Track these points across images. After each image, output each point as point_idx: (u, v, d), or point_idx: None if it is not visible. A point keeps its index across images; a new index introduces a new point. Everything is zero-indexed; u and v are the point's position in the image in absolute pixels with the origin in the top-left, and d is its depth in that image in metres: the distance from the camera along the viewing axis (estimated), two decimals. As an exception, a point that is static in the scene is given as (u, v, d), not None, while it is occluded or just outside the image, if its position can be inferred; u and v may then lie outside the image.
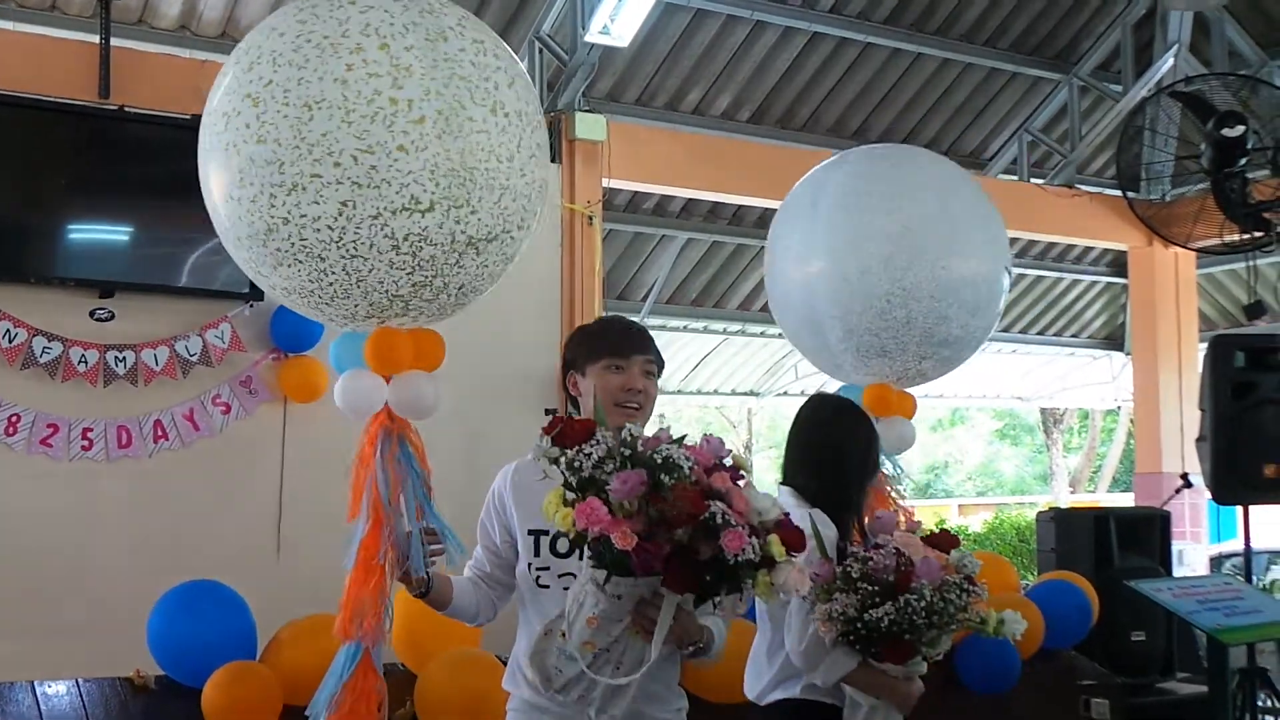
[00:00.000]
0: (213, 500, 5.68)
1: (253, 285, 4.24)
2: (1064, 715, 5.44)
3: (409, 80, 2.75)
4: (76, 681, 4.07)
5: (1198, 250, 9.64)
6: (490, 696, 2.89)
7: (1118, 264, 11.56)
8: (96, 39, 5.95)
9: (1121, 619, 5.95)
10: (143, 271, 5.71)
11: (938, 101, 9.54)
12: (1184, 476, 7.22)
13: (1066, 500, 20.90)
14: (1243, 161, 7.89)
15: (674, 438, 2.44)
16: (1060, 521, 6.52)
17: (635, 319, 9.79)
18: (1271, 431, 5.70)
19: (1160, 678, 6.23)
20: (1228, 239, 8.48)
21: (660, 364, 2.85)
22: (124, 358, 5.53)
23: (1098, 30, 9.61)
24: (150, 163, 5.62)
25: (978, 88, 9.62)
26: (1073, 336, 12.80)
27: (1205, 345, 5.99)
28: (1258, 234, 8.11)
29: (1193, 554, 9.75)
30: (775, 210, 4.74)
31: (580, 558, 2.46)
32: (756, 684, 3.26)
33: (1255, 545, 6.04)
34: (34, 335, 5.37)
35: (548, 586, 2.71)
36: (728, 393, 13.37)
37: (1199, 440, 5.89)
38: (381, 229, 2.78)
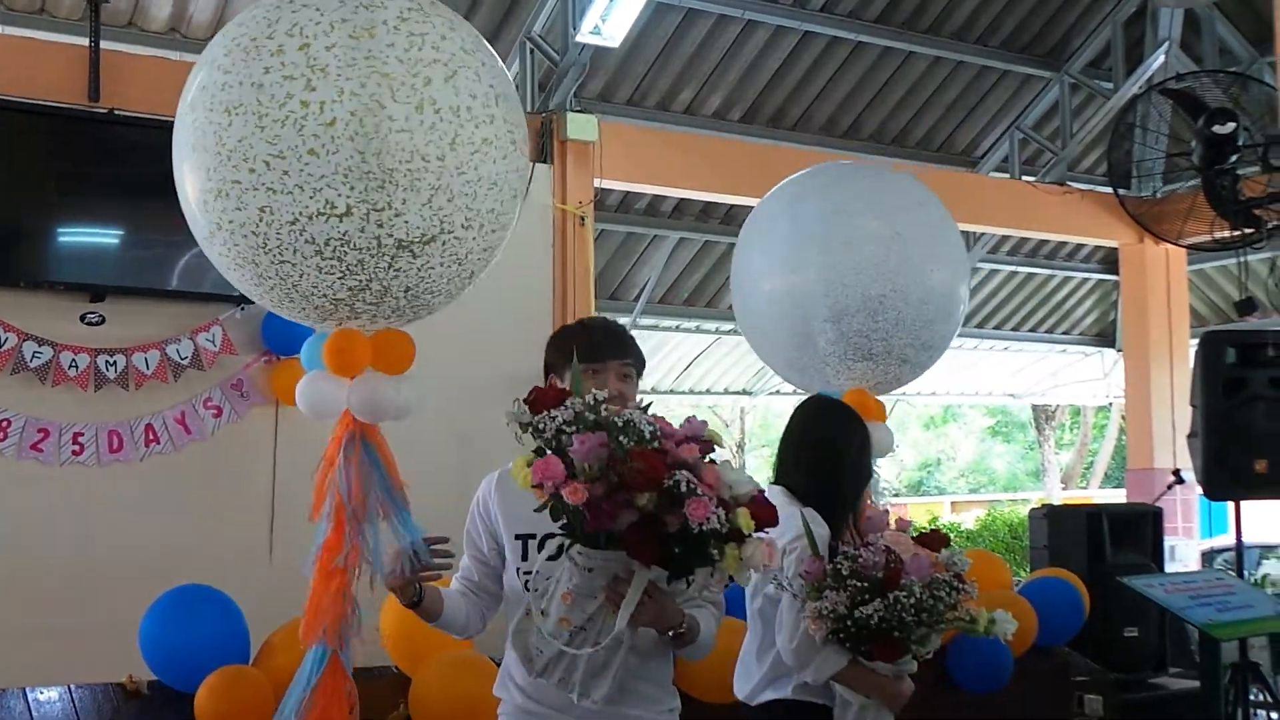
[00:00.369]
0: (205, 504, 5.65)
1: (242, 288, 4.22)
2: (1057, 711, 5.46)
3: (322, 81, 2.70)
4: (69, 688, 4.06)
5: (1189, 247, 9.69)
6: (484, 699, 2.87)
7: (1109, 261, 11.59)
8: (86, 42, 5.93)
9: (1114, 615, 5.97)
10: (133, 275, 5.69)
11: (929, 100, 9.56)
12: (1176, 472, 7.25)
13: (1059, 497, 20.92)
14: (1233, 158, 7.91)
15: (642, 406, 2.45)
16: (1052, 518, 6.55)
17: (628, 319, 9.89)
18: (1262, 427, 5.72)
19: (1153, 673, 6.26)
20: (1218, 235, 8.52)
21: (640, 365, 2.83)
22: (115, 361, 5.51)
23: (1088, 28, 9.63)
24: (140, 166, 5.57)
25: (969, 86, 9.63)
26: (1064, 333, 12.82)
27: (1196, 341, 5.99)
28: (1248, 230, 8.14)
29: (1185, 549, 9.77)
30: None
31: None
32: (746, 684, 3.27)
33: (1246, 540, 6.08)
34: (24, 340, 5.36)
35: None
36: (720, 392, 13.38)
37: (1190, 436, 5.91)
38: (300, 234, 2.75)
